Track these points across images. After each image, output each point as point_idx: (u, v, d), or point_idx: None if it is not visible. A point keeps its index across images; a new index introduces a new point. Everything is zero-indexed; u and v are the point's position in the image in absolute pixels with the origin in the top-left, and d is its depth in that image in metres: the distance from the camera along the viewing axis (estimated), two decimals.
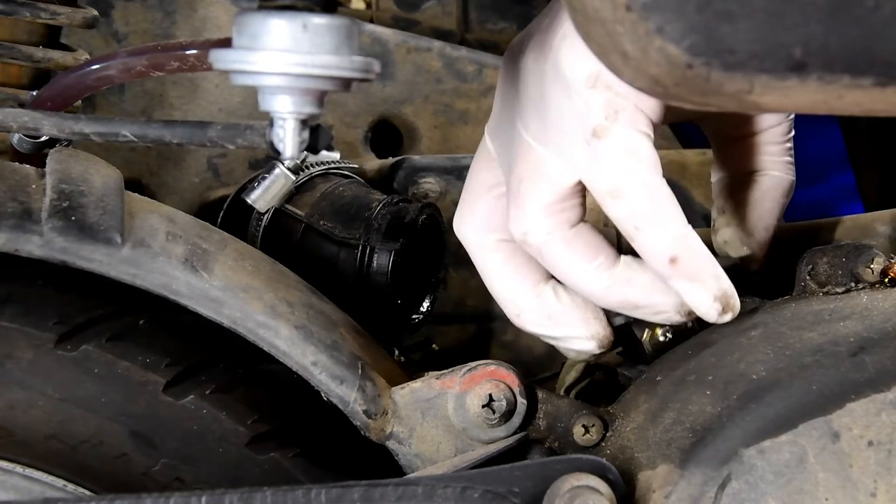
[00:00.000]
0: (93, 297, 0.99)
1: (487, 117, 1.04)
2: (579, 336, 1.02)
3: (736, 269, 1.22)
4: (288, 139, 0.93)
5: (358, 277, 1.23)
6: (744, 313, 0.99)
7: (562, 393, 1.27)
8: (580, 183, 0.95)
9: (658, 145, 1.55)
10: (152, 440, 0.99)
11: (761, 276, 1.17)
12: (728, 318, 0.94)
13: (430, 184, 1.42)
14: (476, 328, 1.46)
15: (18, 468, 0.99)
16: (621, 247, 1.34)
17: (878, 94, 0.72)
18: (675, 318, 0.98)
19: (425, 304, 1.33)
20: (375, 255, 1.22)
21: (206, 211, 1.42)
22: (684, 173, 1.46)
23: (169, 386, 0.99)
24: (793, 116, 1.10)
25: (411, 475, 0.95)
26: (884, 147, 1.59)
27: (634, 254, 1.32)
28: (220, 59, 0.92)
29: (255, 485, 0.87)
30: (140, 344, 0.99)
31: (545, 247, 0.95)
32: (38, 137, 1.06)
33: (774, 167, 1.10)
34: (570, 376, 1.28)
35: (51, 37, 1.15)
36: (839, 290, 1.01)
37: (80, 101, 1.11)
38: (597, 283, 0.96)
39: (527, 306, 1.01)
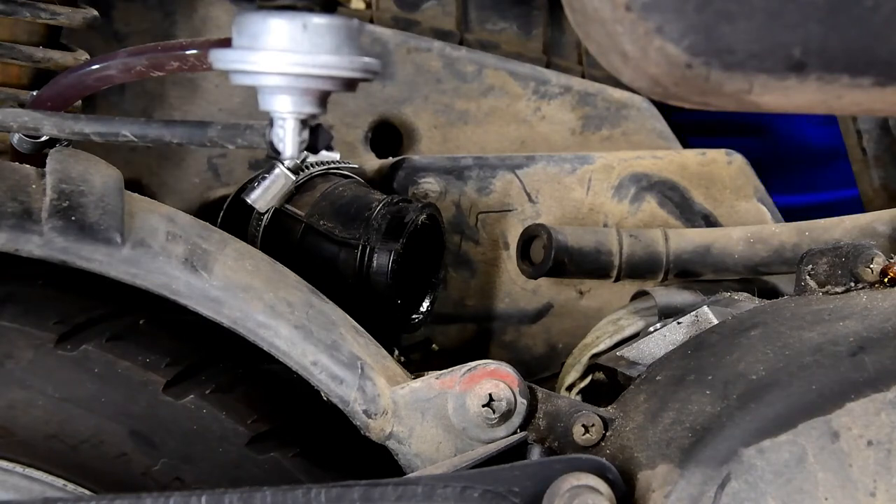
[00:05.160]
0: (93, 297, 0.99)
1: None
2: None
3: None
4: (288, 139, 0.93)
5: (358, 277, 1.23)
6: (743, 313, 0.99)
7: (562, 393, 1.27)
8: None
9: (658, 145, 1.55)
10: (152, 440, 0.99)
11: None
12: None
13: (430, 184, 1.42)
14: (476, 328, 1.47)
15: (18, 468, 0.99)
16: (621, 251, 1.34)
17: (878, 93, 0.72)
18: None
19: (425, 304, 1.33)
20: (375, 255, 1.22)
21: (206, 211, 1.42)
22: (684, 173, 1.46)
23: (169, 386, 0.99)
24: None
25: (411, 475, 0.95)
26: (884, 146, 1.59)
27: (633, 263, 1.33)
28: (220, 59, 0.92)
29: (255, 484, 0.87)
30: (140, 344, 0.99)
31: None
32: (38, 137, 1.06)
33: None
34: (570, 376, 1.28)
35: (51, 37, 1.15)
36: (839, 290, 1.01)
37: (80, 101, 1.11)
38: None
39: None
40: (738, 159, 1.48)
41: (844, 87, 0.72)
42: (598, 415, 0.96)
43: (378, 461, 1.00)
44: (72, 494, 0.99)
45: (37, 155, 1.06)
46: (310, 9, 0.91)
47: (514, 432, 0.96)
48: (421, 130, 1.53)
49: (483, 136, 1.53)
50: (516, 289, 1.46)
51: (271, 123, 0.93)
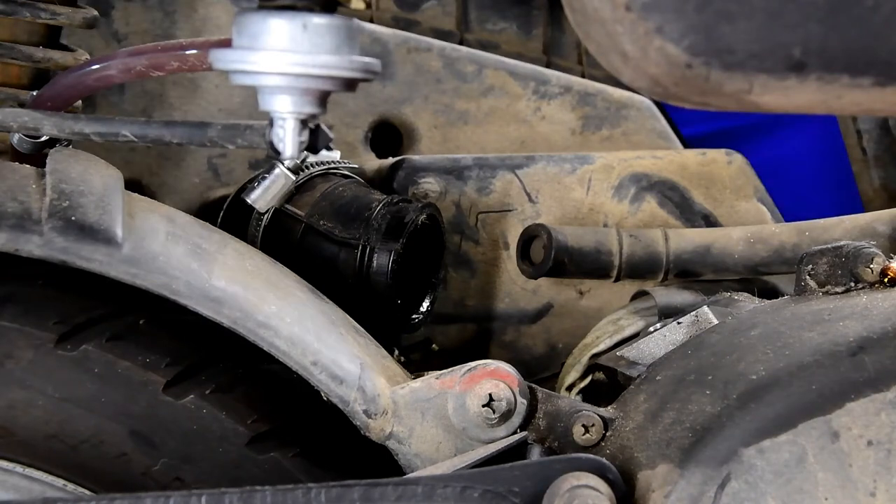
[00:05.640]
0: (93, 297, 0.99)
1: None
2: None
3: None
4: (288, 139, 0.93)
5: (358, 277, 1.23)
6: (743, 313, 0.99)
7: (562, 393, 1.27)
8: None
9: (658, 145, 1.55)
10: (152, 440, 0.99)
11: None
12: None
13: (430, 184, 1.42)
14: (476, 328, 1.47)
15: (18, 468, 0.99)
16: (621, 251, 1.34)
17: (878, 93, 0.72)
18: None
19: (425, 304, 1.33)
20: (375, 255, 1.22)
21: (206, 211, 1.42)
22: (684, 173, 1.46)
23: (169, 386, 0.99)
24: None
25: (411, 475, 0.95)
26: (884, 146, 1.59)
27: (633, 263, 1.33)
28: (220, 59, 0.92)
29: (255, 484, 0.87)
30: (140, 344, 0.99)
31: None
32: (38, 137, 1.06)
33: None
34: (570, 376, 1.28)
35: (51, 37, 1.15)
36: (839, 290, 1.01)
37: (80, 101, 1.11)
38: None
39: None
40: (738, 159, 1.48)
41: (844, 87, 0.72)
42: (598, 415, 0.96)
43: (378, 461, 1.00)
44: (72, 494, 0.99)
45: (37, 155, 1.06)
46: (310, 9, 0.91)
47: (514, 432, 0.96)
48: (421, 130, 1.53)
49: (483, 136, 1.53)
50: (516, 289, 1.46)
51: (271, 123, 0.93)
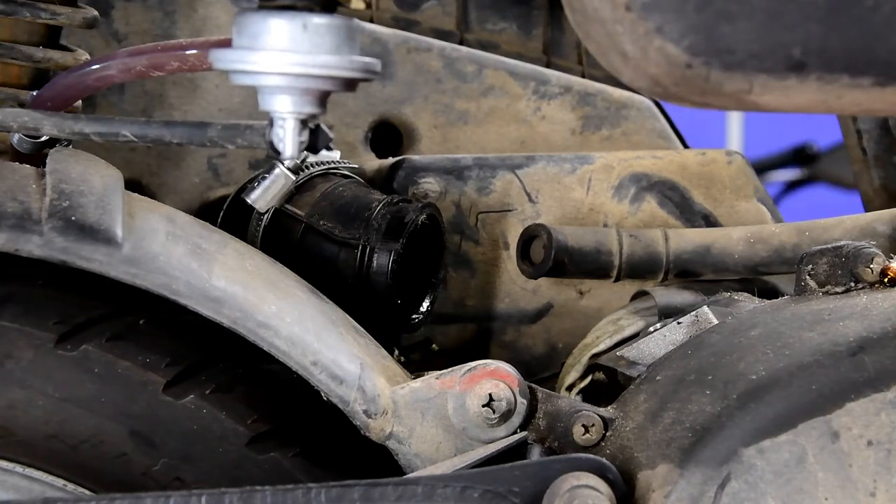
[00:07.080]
0: (93, 297, 0.99)
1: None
2: None
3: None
4: (288, 139, 0.93)
5: (358, 277, 1.23)
6: (743, 313, 0.99)
7: (562, 393, 1.27)
8: None
9: (658, 145, 1.55)
10: (152, 440, 0.99)
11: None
12: None
13: (430, 184, 1.42)
14: (476, 328, 1.46)
15: (18, 468, 0.99)
16: (621, 251, 1.34)
17: (878, 93, 0.72)
18: None
19: (425, 304, 1.33)
20: (375, 255, 1.22)
21: (206, 211, 1.42)
22: (684, 173, 1.46)
23: (169, 386, 0.99)
24: None
25: (411, 475, 0.95)
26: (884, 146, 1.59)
27: (633, 263, 1.33)
28: (220, 59, 0.93)
29: (255, 484, 0.87)
30: (140, 344, 0.99)
31: None
32: (38, 137, 1.06)
33: None
34: (570, 376, 1.28)
35: (51, 37, 1.15)
36: (839, 290, 1.01)
37: (80, 101, 1.11)
38: None
39: None
40: (737, 159, 1.48)
41: (844, 87, 0.72)
42: (598, 415, 0.96)
43: (378, 461, 1.00)
44: (72, 494, 0.99)
45: (37, 155, 1.06)
46: (310, 9, 0.91)
47: (514, 432, 0.97)
48: (421, 130, 1.53)
49: (483, 136, 1.53)
50: (516, 289, 1.46)
51: (271, 123, 0.93)
